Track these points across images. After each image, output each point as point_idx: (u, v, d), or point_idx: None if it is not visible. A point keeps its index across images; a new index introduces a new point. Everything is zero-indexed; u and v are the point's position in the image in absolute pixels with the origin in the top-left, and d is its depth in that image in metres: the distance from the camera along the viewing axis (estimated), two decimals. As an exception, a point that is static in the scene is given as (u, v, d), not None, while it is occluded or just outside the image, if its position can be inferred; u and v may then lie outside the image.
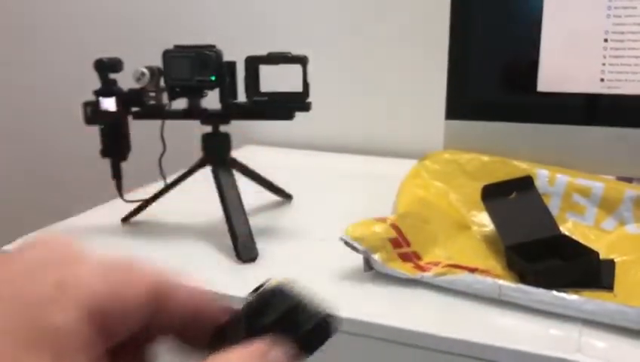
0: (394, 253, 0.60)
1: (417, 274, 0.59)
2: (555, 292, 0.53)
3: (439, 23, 0.82)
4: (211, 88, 0.73)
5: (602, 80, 0.72)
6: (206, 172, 0.76)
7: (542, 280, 0.56)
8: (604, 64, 0.72)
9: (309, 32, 1.17)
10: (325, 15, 1.16)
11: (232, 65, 0.74)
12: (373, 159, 1.10)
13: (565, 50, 0.73)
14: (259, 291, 0.25)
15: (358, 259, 0.61)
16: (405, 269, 0.59)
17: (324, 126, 1.17)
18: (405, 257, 0.61)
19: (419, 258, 0.62)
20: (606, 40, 0.71)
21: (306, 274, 0.65)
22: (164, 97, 0.75)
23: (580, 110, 0.75)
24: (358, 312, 0.56)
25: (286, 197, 0.87)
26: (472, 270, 0.58)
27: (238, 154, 0.80)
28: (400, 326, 0.54)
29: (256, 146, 1.21)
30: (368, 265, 0.60)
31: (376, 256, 0.59)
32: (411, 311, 0.56)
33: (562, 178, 0.73)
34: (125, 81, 0.75)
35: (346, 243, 0.60)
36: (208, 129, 0.76)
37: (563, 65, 0.74)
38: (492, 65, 0.78)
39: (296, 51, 0.71)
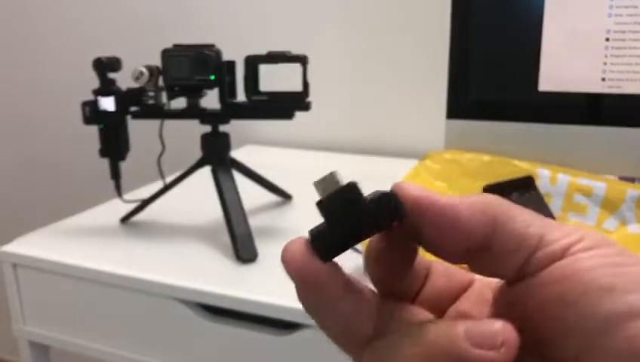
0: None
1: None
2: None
3: (440, 23, 0.82)
4: (210, 88, 0.73)
5: (603, 79, 0.72)
6: (205, 172, 0.76)
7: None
8: (605, 63, 0.72)
9: (309, 31, 1.17)
10: (325, 15, 1.15)
11: (231, 64, 0.74)
12: (374, 159, 1.09)
13: (566, 50, 0.73)
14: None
15: (357, 259, 0.61)
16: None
17: (324, 126, 1.17)
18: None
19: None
20: (607, 39, 0.71)
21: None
22: (163, 97, 0.75)
23: (581, 110, 0.75)
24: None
25: (286, 197, 0.87)
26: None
27: (238, 154, 0.80)
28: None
29: (256, 146, 1.20)
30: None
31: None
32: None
33: (564, 178, 0.72)
34: (124, 80, 0.74)
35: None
36: (207, 129, 0.76)
37: (564, 64, 0.73)
38: (493, 65, 0.78)
39: (296, 51, 0.71)
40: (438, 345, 0.19)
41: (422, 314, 0.22)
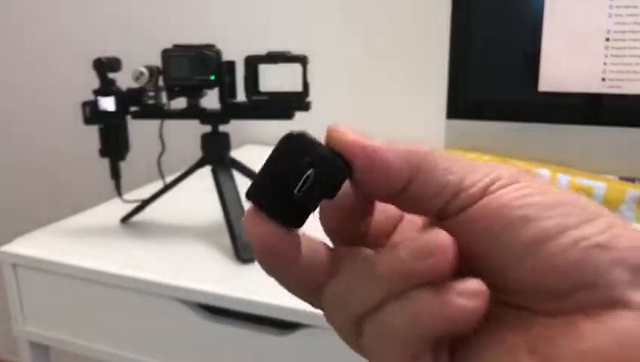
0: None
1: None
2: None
3: (440, 23, 0.82)
4: (210, 88, 0.73)
5: (603, 79, 0.72)
6: (205, 172, 0.76)
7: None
8: (605, 63, 0.72)
9: (309, 32, 1.17)
10: (325, 15, 1.15)
11: (231, 64, 0.74)
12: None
13: (566, 50, 0.73)
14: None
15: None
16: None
17: (324, 125, 1.17)
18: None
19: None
20: (607, 39, 0.71)
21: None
22: (163, 97, 0.75)
23: (581, 109, 0.75)
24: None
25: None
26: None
27: (238, 154, 0.80)
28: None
29: (255, 146, 1.20)
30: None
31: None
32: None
33: (563, 177, 0.72)
34: (124, 80, 0.74)
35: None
36: (207, 129, 0.76)
37: (564, 64, 0.73)
38: (493, 65, 0.78)
39: (296, 51, 0.71)
40: (382, 270, 0.20)
41: (366, 252, 0.24)
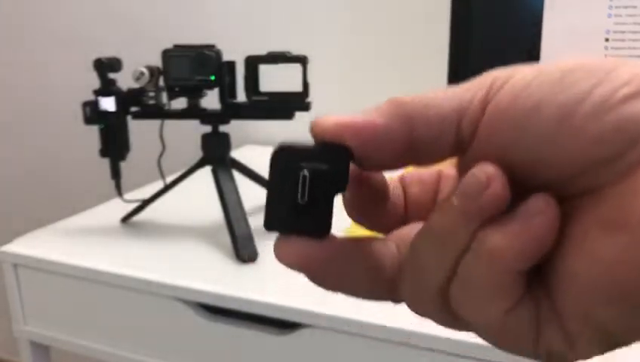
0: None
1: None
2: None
3: (440, 22, 0.82)
4: (211, 88, 0.73)
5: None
6: (205, 172, 0.76)
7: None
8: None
9: (308, 31, 1.17)
10: (325, 15, 1.15)
11: (231, 64, 0.74)
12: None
13: (566, 50, 0.73)
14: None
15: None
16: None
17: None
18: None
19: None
20: (607, 39, 0.71)
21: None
22: (164, 97, 0.75)
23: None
24: (359, 313, 0.55)
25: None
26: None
27: (238, 154, 0.80)
28: (401, 327, 0.54)
29: (256, 146, 1.20)
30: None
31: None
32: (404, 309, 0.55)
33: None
34: (125, 80, 0.74)
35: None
36: (208, 129, 0.76)
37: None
38: (492, 65, 0.78)
39: (296, 51, 0.71)
40: (442, 226, 0.20)
41: (417, 226, 0.23)
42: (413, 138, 0.20)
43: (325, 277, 0.21)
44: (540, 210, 0.18)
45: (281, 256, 0.21)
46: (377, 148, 0.21)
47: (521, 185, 0.19)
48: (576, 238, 0.19)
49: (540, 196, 0.18)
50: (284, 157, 0.21)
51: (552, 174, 0.19)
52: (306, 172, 0.21)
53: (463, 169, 0.21)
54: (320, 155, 0.21)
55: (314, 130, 0.22)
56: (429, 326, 0.53)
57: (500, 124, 0.19)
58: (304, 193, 0.21)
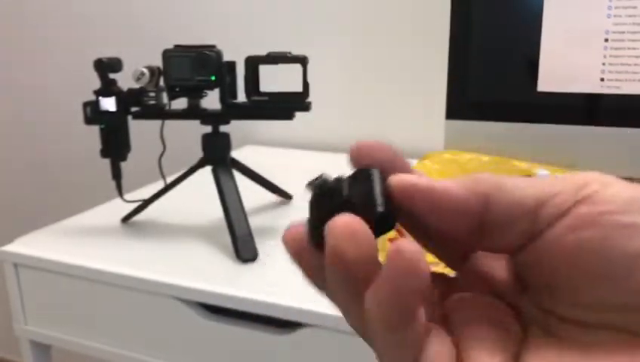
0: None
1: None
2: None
3: (439, 23, 0.82)
4: (211, 88, 0.73)
5: (602, 80, 0.72)
6: (206, 172, 0.76)
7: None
8: (604, 64, 0.72)
9: (308, 32, 1.17)
10: (325, 15, 1.15)
11: (231, 65, 0.74)
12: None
13: (565, 50, 0.73)
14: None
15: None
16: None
17: (324, 126, 1.17)
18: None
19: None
20: (606, 40, 0.71)
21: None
22: (164, 97, 0.75)
23: (580, 110, 0.75)
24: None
25: (286, 197, 0.87)
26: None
27: (238, 154, 0.80)
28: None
29: (256, 146, 1.21)
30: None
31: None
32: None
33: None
34: (125, 80, 0.75)
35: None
36: (208, 129, 0.76)
37: (563, 64, 0.74)
38: (492, 65, 0.78)
39: (296, 51, 0.71)
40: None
41: None
42: (486, 218, 0.20)
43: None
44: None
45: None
46: (447, 219, 0.20)
47: (555, 293, 0.19)
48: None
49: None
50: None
51: (596, 297, 0.18)
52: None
53: (525, 257, 0.20)
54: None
55: (392, 182, 0.20)
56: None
57: (582, 229, 0.18)
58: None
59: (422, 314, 0.19)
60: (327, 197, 0.21)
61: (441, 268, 0.25)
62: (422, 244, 0.24)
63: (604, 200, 0.18)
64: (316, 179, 0.22)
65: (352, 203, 0.20)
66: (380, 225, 0.20)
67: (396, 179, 0.21)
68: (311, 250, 0.21)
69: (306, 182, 0.22)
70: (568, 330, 0.19)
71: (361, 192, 0.20)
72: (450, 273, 0.24)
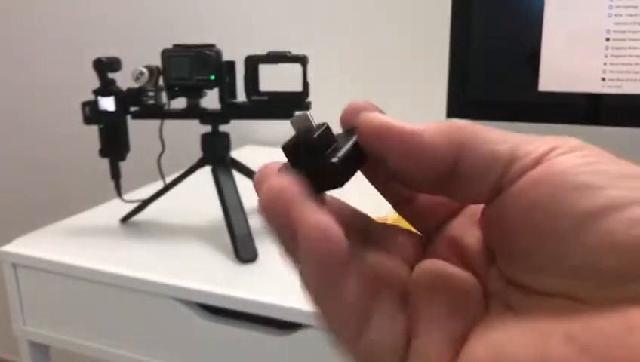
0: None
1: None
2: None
3: (440, 21, 0.82)
4: (211, 88, 0.73)
5: (603, 79, 0.72)
6: (205, 172, 0.76)
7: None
8: (605, 63, 0.72)
9: (308, 31, 1.17)
10: (325, 15, 1.15)
11: (231, 64, 0.74)
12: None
13: (566, 50, 0.73)
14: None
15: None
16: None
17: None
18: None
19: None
20: (607, 39, 0.71)
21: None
22: (163, 97, 0.75)
23: (581, 110, 0.75)
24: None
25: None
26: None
27: (238, 153, 0.80)
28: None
29: (256, 146, 1.20)
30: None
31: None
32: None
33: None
34: (124, 80, 0.74)
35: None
36: (207, 129, 0.76)
37: (564, 64, 0.73)
38: (493, 65, 0.78)
39: (295, 51, 0.71)
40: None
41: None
42: (458, 167, 0.19)
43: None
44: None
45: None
46: (417, 163, 0.20)
47: (509, 248, 0.19)
48: (527, 328, 0.18)
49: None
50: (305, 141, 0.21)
51: (550, 257, 0.18)
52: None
53: (483, 217, 0.21)
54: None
55: (353, 112, 0.21)
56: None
57: (541, 185, 0.18)
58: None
59: (350, 287, 0.19)
60: (308, 150, 0.21)
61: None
62: (389, 200, 0.24)
63: (561, 162, 0.18)
64: (299, 120, 0.22)
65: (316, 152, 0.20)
66: (330, 176, 0.20)
67: (366, 116, 0.21)
68: None
69: (292, 118, 0.22)
70: (525, 302, 0.19)
71: (334, 144, 0.21)
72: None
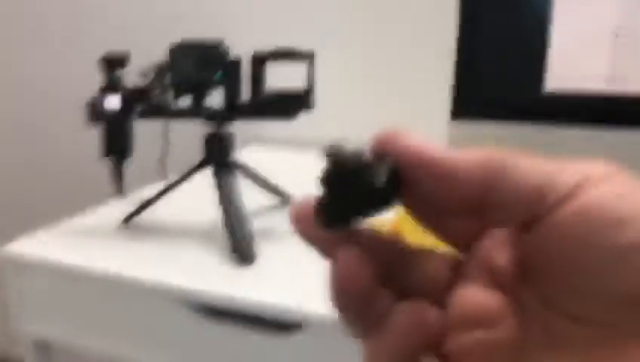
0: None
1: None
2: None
3: (444, 18, 0.81)
4: (217, 86, 0.72)
5: (612, 78, 0.71)
6: (208, 171, 0.75)
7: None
8: (615, 62, 0.70)
9: (314, 30, 1.16)
10: (330, 13, 1.15)
11: (237, 62, 0.73)
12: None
13: (575, 48, 0.72)
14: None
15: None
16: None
17: (328, 125, 1.16)
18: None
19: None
20: (617, 37, 0.70)
21: (305, 277, 0.63)
22: (169, 95, 0.73)
23: (590, 109, 0.73)
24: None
25: (285, 198, 0.85)
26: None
27: (242, 153, 0.79)
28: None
29: (259, 145, 1.19)
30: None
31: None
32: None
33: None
34: (131, 77, 0.74)
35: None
36: (212, 128, 0.75)
37: (573, 62, 0.72)
38: (498, 64, 0.76)
39: (301, 50, 0.70)
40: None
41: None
42: (491, 195, 0.20)
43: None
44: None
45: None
46: (451, 190, 0.20)
47: (545, 280, 0.19)
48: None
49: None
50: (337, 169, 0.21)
51: (586, 288, 0.19)
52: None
53: (515, 241, 0.21)
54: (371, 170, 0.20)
55: (387, 141, 0.21)
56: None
57: (577, 220, 0.19)
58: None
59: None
60: (345, 179, 0.21)
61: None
62: (424, 222, 0.24)
63: (596, 196, 0.19)
64: (333, 150, 0.21)
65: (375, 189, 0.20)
66: (376, 200, 0.20)
67: (405, 144, 0.21)
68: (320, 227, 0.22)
69: (324, 149, 0.21)
70: (564, 328, 0.19)
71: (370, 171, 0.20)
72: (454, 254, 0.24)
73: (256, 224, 0.72)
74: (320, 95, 0.71)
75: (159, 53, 0.72)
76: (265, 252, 0.68)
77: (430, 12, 1.05)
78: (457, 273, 0.23)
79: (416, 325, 0.20)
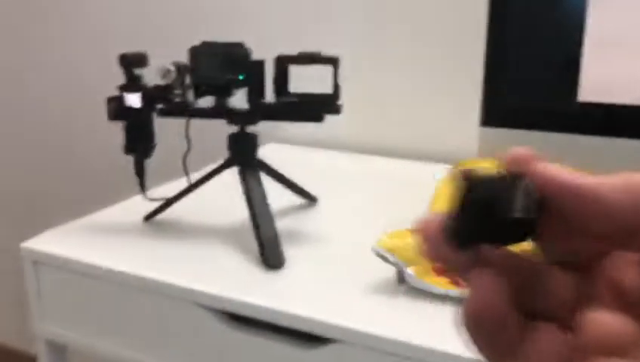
0: (428, 266, 0.58)
1: (454, 290, 0.56)
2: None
3: (475, 25, 0.79)
4: (239, 87, 0.71)
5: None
6: (231, 172, 0.74)
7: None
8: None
9: (339, 31, 1.14)
10: (357, 15, 1.13)
11: (261, 64, 0.71)
12: (405, 162, 1.06)
13: (608, 57, 0.70)
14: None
15: (387, 268, 0.59)
16: (440, 284, 0.57)
17: (352, 126, 1.14)
18: (439, 271, 0.58)
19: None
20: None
21: (334, 283, 0.62)
22: (190, 95, 0.73)
23: (625, 121, 0.72)
24: (394, 331, 0.53)
25: (311, 199, 0.85)
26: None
27: (262, 152, 0.78)
28: (440, 349, 0.51)
29: (279, 144, 1.18)
30: (401, 278, 0.58)
31: (410, 270, 0.57)
32: (443, 328, 0.53)
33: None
34: (150, 76, 0.72)
35: (378, 255, 0.58)
36: (233, 128, 0.74)
37: (606, 71, 0.70)
38: (530, 71, 0.75)
39: (326, 51, 0.69)
40: None
41: None
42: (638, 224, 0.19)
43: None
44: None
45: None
46: (596, 220, 0.19)
47: None
48: None
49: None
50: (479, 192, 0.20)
51: None
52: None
53: None
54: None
55: (520, 165, 0.21)
56: (471, 350, 0.50)
57: None
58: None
59: None
60: (482, 204, 0.20)
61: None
62: (548, 247, 0.23)
63: None
64: (467, 175, 0.21)
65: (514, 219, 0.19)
66: (515, 231, 0.20)
67: (546, 170, 0.20)
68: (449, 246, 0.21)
69: (454, 170, 0.21)
70: None
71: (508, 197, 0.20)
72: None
73: (282, 227, 0.71)
74: (345, 97, 0.70)
75: (174, 55, 0.71)
76: (293, 257, 0.67)
77: (462, 19, 1.03)
78: (581, 293, 0.22)
79: (555, 354, 0.20)
